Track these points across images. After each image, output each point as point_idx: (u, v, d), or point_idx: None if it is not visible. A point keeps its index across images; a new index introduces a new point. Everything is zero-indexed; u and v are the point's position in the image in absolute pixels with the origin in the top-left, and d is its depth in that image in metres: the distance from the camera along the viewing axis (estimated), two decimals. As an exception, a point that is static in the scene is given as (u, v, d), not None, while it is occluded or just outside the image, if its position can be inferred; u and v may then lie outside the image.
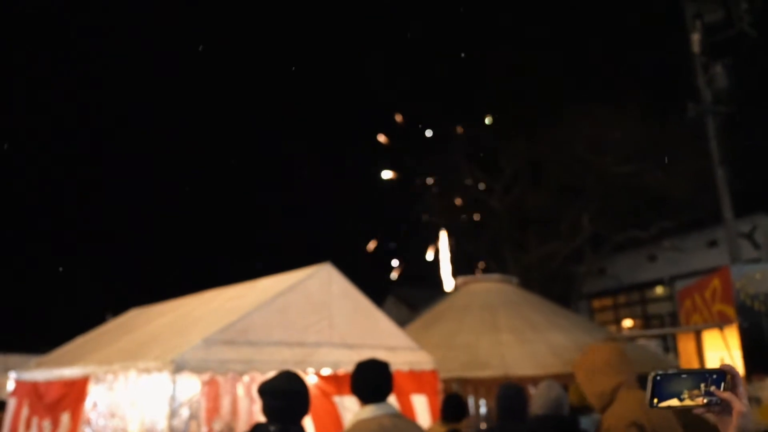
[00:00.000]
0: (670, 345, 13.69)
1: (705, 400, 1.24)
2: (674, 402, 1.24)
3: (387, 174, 22.35)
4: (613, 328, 21.99)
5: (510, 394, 4.00)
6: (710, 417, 1.27)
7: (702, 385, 1.25)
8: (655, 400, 1.25)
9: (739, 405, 1.24)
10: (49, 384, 7.71)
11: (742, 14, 12.53)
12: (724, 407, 1.25)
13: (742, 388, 1.26)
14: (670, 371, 1.27)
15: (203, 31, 42.80)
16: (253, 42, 43.88)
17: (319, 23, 43.24)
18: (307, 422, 6.73)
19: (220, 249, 39.06)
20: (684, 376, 1.26)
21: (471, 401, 9.86)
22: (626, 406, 2.67)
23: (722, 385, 1.25)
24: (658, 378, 1.25)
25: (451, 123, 22.48)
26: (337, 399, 7.03)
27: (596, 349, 2.97)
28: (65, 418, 6.85)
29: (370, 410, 3.07)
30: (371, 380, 3.16)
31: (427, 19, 35.86)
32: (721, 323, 6.44)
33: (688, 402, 1.24)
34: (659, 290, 22.80)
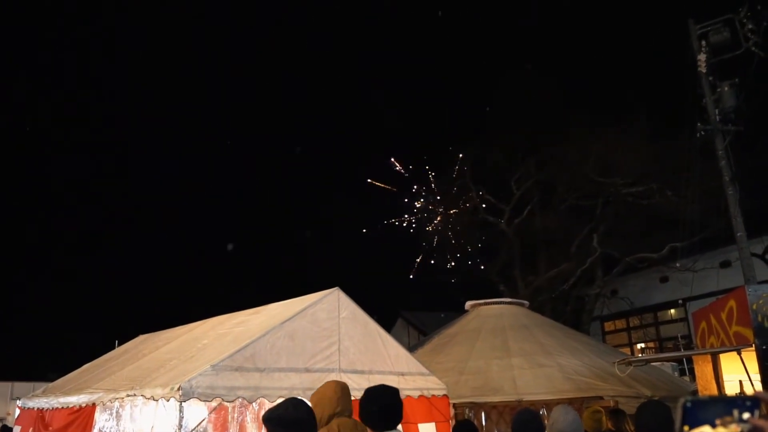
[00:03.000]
0: (685, 368, 13.45)
1: (739, 428, 1.18)
2: (706, 429, 1.18)
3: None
4: (626, 350, 21.67)
5: (526, 419, 3.90)
6: None
7: (735, 412, 1.18)
8: (686, 428, 1.18)
9: None
10: (54, 411, 7.65)
11: (748, 34, 12.54)
12: None
13: None
14: (701, 397, 1.21)
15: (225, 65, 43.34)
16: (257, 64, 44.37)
17: (326, 51, 43.71)
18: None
19: (227, 274, 39.06)
20: (716, 402, 1.20)
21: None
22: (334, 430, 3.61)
23: (756, 412, 1.19)
24: (689, 405, 1.19)
25: (461, 146, 22.50)
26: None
27: (325, 385, 3.93)
28: (70, 447, 6.76)
29: (381, 439, 2.99)
30: (381, 407, 3.08)
31: (436, 44, 36.20)
32: (738, 346, 6.31)
33: (720, 429, 1.18)
34: (672, 312, 22.51)
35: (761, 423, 1.18)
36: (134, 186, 41.81)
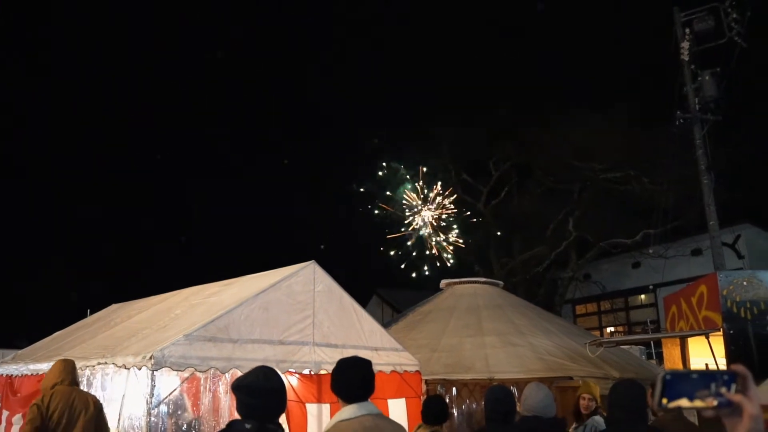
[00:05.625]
0: (653, 352, 13.71)
1: (715, 402, 1.19)
2: (684, 402, 1.20)
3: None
4: (596, 333, 22.05)
5: (498, 396, 3.93)
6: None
7: (712, 386, 1.20)
8: (664, 400, 1.20)
9: (750, 407, 1.19)
10: (24, 378, 7.55)
11: (732, 24, 12.62)
12: (735, 409, 1.20)
13: (753, 390, 1.21)
14: (680, 371, 1.23)
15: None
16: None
17: (310, 27, 43.16)
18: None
19: (202, 245, 38.82)
20: (694, 376, 1.21)
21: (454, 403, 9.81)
22: (56, 398, 5.07)
23: (733, 386, 1.20)
24: (668, 377, 1.20)
25: (440, 125, 22.44)
26: (313, 407, 6.94)
27: (55, 362, 5.47)
28: (39, 414, 6.68)
29: (351, 410, 2.97)
30: (353, 379, 3.06)
31: (416, 22, 35.94)
32: (706, 330, 6.44)
33: (697, 403, 1.20)
34: (643, 297, 22.92)
35: (736, 397, 1.20)
36: (108, 150, 41.03)
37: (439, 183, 21.42)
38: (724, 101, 12.59)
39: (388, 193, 21.95)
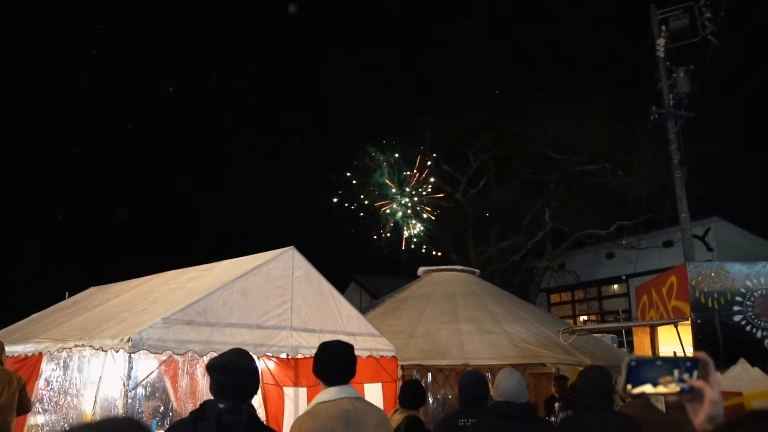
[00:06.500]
0: (624, 340, 14.03)
1: (678, 387, 1.25)
2: (648, 388, 1.25)
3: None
4: (569, 322, 22.39)
5: (473, 381, 4.04)
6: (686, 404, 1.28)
7: (675, 372, 1.25)
8: (629, 386, 1.25)
9: (711, 393, 1.25)
10: (-1, 360, 7.50)
11: (706, 22, 12.85)
12: (696, 395, 1.26)
13: (714, 377, 1.27)
14: (645, 357, 1.27)
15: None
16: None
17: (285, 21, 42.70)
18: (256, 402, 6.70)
19: (180, 231, 38.51)
20: (658, 362, 1.26)
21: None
22: None
23: (695, 372, 1.26)
24: (633, 364, 1.25)
25: (420, 114, 22.48)
26: (290, 390, 7.01)
27: None
28: (15, 395, 6.67)
29: (331, 393, 3.04)
30: (335, 362, 3.13)
31: (397, 11, 35.80)
32: (675, 319, 6.64)
33: (661, 388, 1.25)
34: (615, 287, 23.32)
35: (698, 383, 1.26)
36: (86, 130, 40.37)
37: (417, 170, 21.59)
38: (697, 98, 12.85)
39: (366, 180, 22.03)
